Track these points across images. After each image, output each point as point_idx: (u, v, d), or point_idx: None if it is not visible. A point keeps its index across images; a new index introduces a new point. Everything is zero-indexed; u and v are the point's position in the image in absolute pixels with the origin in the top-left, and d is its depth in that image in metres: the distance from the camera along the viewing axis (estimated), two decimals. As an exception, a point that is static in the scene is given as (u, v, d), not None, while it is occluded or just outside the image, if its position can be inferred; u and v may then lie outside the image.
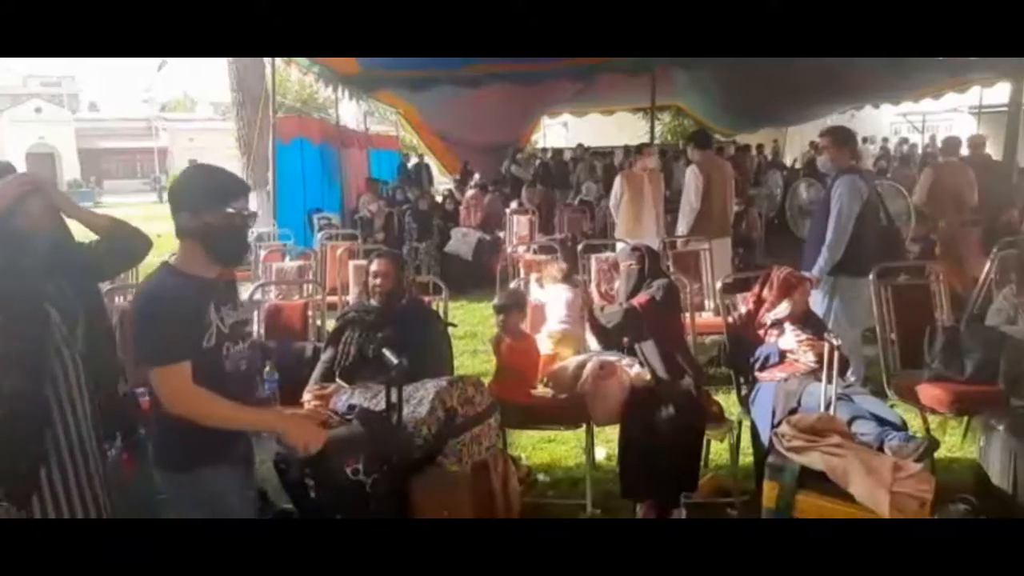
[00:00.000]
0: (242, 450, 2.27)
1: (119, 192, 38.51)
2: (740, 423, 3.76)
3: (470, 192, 11.00)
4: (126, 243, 2.66)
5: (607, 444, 4.14)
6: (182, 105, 57.40)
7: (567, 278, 4.29)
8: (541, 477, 3.96)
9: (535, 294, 4.59)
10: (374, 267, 3.58)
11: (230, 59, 11.22)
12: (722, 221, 6.63)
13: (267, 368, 3.29)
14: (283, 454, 2.41)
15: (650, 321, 3.69)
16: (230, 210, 2.12)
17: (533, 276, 5.11)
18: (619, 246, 6.49)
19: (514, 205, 10.37)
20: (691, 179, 6.57)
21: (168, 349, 2.03)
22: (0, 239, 2.27)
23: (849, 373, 3.83)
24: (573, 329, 4.07)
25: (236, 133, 11.70)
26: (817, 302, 4.43)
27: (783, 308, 3.70)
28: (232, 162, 11.53)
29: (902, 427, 3.08)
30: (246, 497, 2.23)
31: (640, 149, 7.67)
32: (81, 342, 2.43)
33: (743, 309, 4.01)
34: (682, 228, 6.64)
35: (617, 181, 7.36)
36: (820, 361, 3.38)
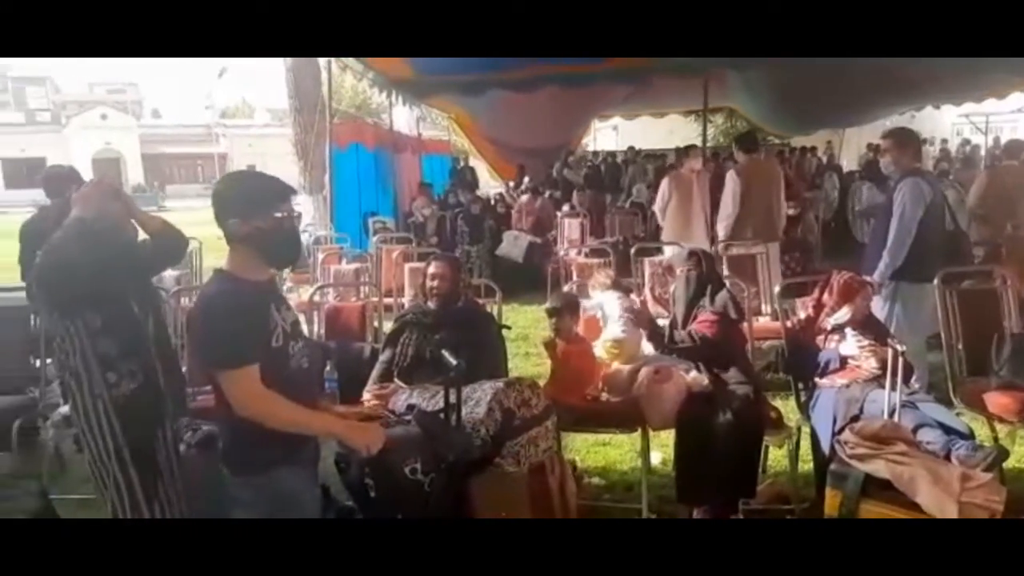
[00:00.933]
0: (311, 449, 2.33)
1: (181, 196, 39.60)
2: (799, 429, 3.70)
3: (524, 197, 11.04)
4: (170, 242, 2.85)
5: (662, 448, 4.11)
6: (241, 111, 58.82)
7: (616, 284, 4.25)
8: (595, 480, 3.96)
9: (585, 303, 4.56)
10: (432, 269, 3.63)
11: (287, 66, 11.46)
12: (766, 226, 6.48)
13: (327, 368, 3.37)
14: (343, 453, 2.46)
15: (718, 337, 3.66)
16: (278, 214, 2.16)
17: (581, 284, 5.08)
18: (667, 249, 6.44)
19: (565, 208, 10.37)
20: (729, 183, 6.48)
21: (237, 353, 2.07)
22: (87, 240, 2.40)
23: (913, 380, 3.74)
24: (630, 337, 4.05)
25: (293, 138, 11.94)
26: (878, 308, 4.34)
27: (844, 313, 3.63)
28: (290, 167, 11.81)
29: (969, 436, 3.00)
30: (315, 496, 2.28)
31: (687, 151, 7.60)
32: (152, 335, 2.61)
33: (802, 314, 3.95)
34: (720, 232, 6.56)
35: (664, 183, 7.29)
36: (883, 367, 3.31)
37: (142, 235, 2.85)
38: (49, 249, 2.46)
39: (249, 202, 2.14)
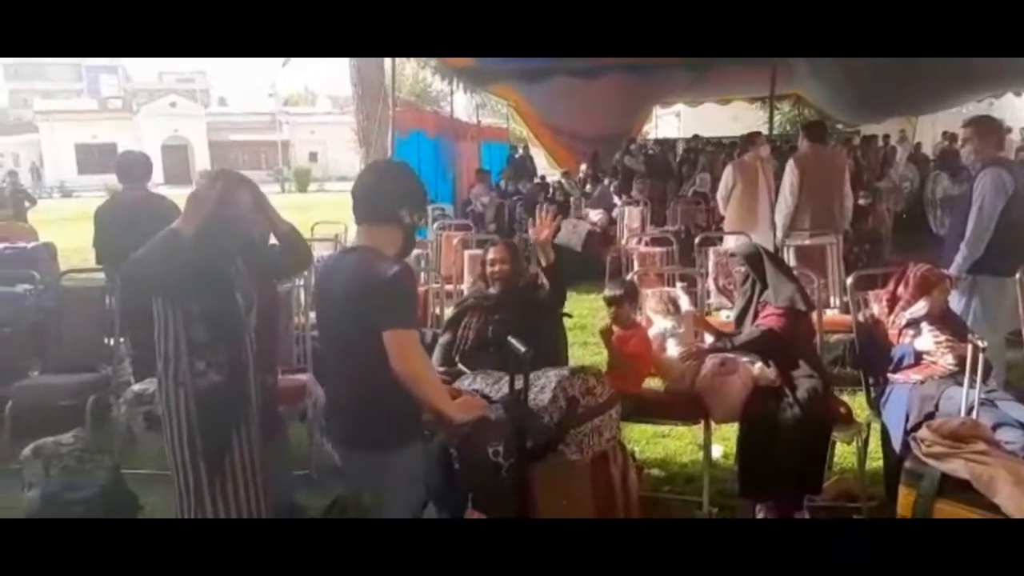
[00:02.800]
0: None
1: (244, 183, 40.56)
2: (869, 426, 3.59)
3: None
4: (298, 249, 2.84)
5: (723, 441, 4.04)
6: (303, 99, 59.92)
7: (672, 310, 3.96)
8: (655, 472, 3.91)
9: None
10: (492, 254, 3.64)
11: (351, 54, 11.58)
12: (826, 217, 6.22)
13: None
14: (431, 422, 2.48)
15: (785, 331, 3.57)
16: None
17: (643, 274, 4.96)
18: (729, 239, 6.30)
19: (625, 197, 10.26)
20: (786, 174, 6.30)
21: (413, 315, 2.30)
22: (206, 225, 2.47)
23: (990, 377, 3.59)
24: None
25: (355, 126, 12.07)
26: (955, 302, 4.17)
27: (920, 307, 3.49)
28: (350, 154, 11.99)
29: (1053, 437, 2.87)
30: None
31: (752, 138, 7.39)
32: (252, 327, 2.66)
33: (875, 307, 3.82)
34: (779, 222, 6.38)
35: (728, 171, 7.10)
36: (960, 364, 3.19)
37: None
38: (136, 261, 2.44)
39: (419, 196, 2.37)
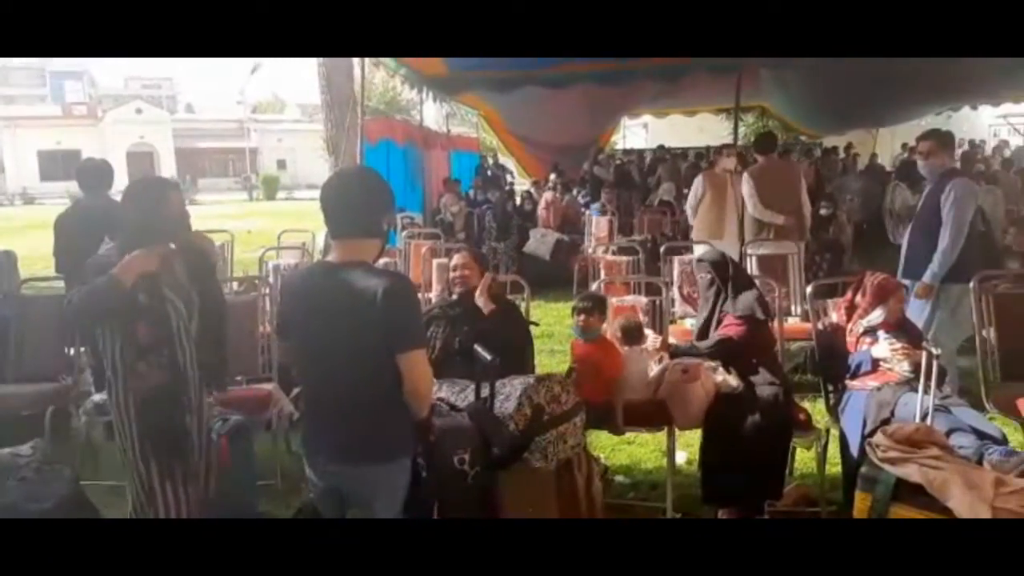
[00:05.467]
0: None
1: (212, 190, 40.13)
2: (828, 432, 3.66)
3: (549, 194, 11.03)
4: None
5: (688, 448, 4.09)
6: (272, 107, 59.45)
7: (632, 338, 3.82)
8: (620, 479, 3.95)
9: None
10: (455, 260, 3.66)
11: (319, 62, 11.52)
12: (786, 227, 6.31)
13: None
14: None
15: (744, 339, 3.63)
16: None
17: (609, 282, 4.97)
18: (697, 248, 6.38)
19: (595, 206, 10.33)
20: (743, 188, 6.42)
21: (424, 333, 2.39)
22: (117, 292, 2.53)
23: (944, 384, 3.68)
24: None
25: (324, 134, 12.01)
26: (919, 310, 4.28)
27: (877, 315, 3.59)
28: (319, 162, 11.94)
29: (1003, 441, 2.95)
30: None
31: (721, 150, 7.52)
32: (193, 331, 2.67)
33: (833, 315, 3.91)
34: (747, 233, 6.48)
35: (697, 181, 7.21)
36: (916, 371, 3.28)
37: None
38: (75, 299, 2.56)
39: (392, 202, 2.36)
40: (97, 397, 3.94)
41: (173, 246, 2.77)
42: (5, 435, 3.56)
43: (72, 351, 4.53)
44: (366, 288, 2.13)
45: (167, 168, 42.38)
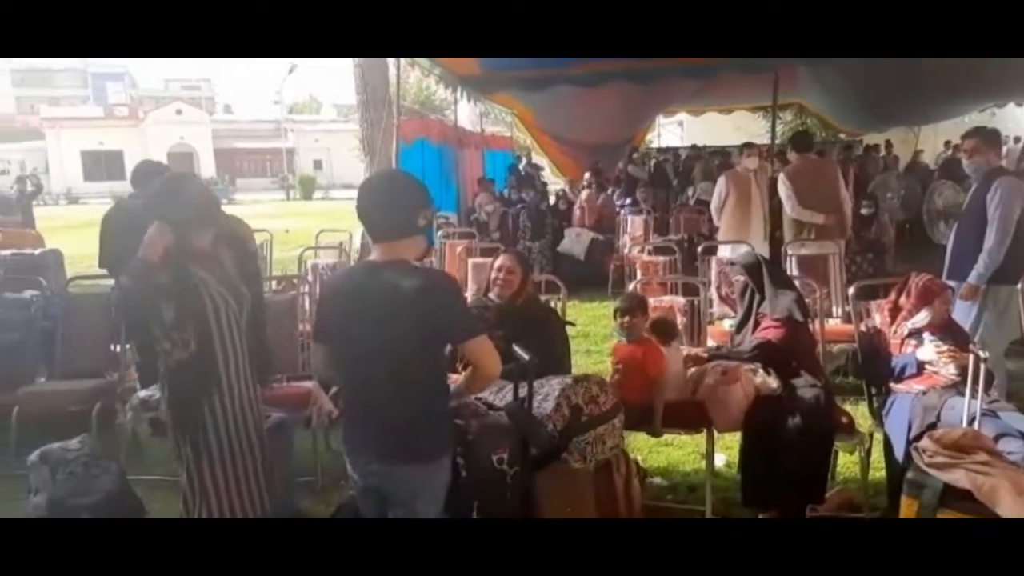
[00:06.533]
0: None
1: (250, 190, 40.69)
2: (871, 435, 3.60)
3: (584, 193, 10.99)
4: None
5: (726, 450, 4.05)
6: (308, 107, 60.11)
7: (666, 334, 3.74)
8: (658, 481, 3.92)
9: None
10: (499, 262, 3.64)
11: (355, 63, 11.63)
12: (825, 228, 6.21)
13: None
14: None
15: (783, 342, 3.58)
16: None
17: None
18: (723, 248, 6.30)
19: (628, 202, 10.29)
20: (779, 189, 6.32)
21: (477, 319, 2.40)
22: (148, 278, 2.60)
23: (992, 387, 3.60)
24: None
25: (360, 134, 12.11)
26: (965, 312, 4.19)
27: (922, 317, 3.51)
28: (355, 162, 12.04)
29: (1055, 447, 2.87)
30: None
31: (744, 149, 7.41)
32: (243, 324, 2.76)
33: (877, 317, 3.84)
34: (787, 233, 6.40)
35: (721, 181, 7.08)
36: (962, 374, 3.21)
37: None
38: (118, 287, 2.65)
39: (426, 197, 2.36)
40: (143, 393, 4.02)
41: (214, 234, 2.83)
42: (54, 430, 3.66)
43: (117, 348, 4.63)
44: (407, 286, 2.15)
45: (206, 168, 43.07)
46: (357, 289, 2.27)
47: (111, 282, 4.75)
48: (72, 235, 13.53)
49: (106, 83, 60.02)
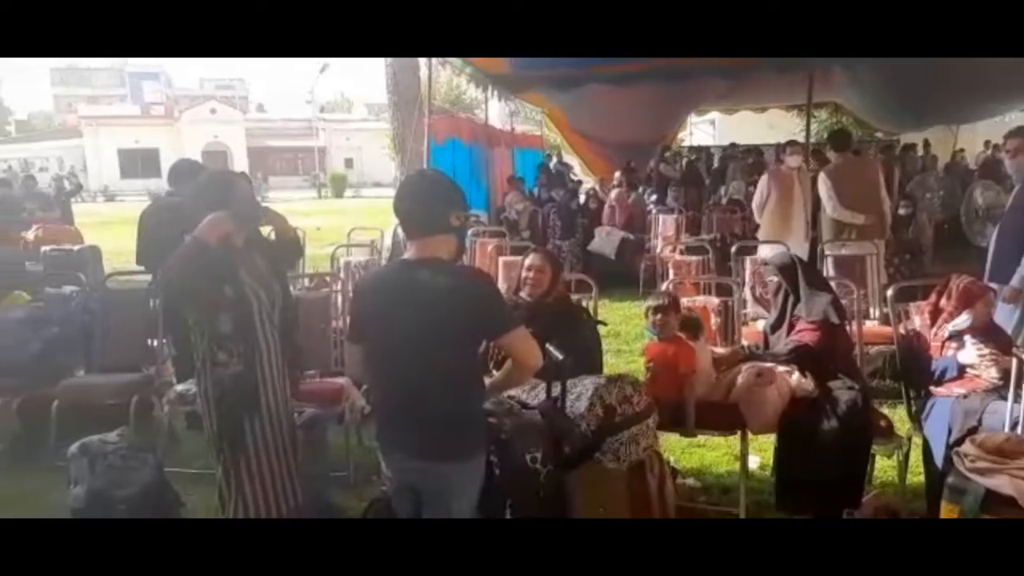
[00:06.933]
0: None
1: (282, 188, 41.11)
2: (910, 439, 3.54)
3: (614, 191, 10.94)
4: (295, 244, 3.16)
5: (760, 452, 4.01)
6: (340, 106, 60.61)
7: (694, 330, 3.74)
8: (690, 482, 3.89)
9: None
10: (529, 261, 3.62)
11: (387, 62, 11.70)
12: (865, 228, 6.10)
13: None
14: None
15: (819, 345, 3.53)
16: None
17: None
18: (762, 248, 6.24)
19: (658, 201, 10.22)
20: (820, 188, 6.23)
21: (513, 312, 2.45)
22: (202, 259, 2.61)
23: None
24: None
25: (391, 133, 12.17)
26: (1008, 314, 4.09)
27: (964, 319, 3.44)
28: (385, 160, 12.13)
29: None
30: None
31: (787, 147, 7.32)
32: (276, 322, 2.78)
33: (916, 319, 3.77)
34: (826, 234, 6.31)
35: (763, 180, 7.01)
36: (1004, 378, 3.14)
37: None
38: (167, 268, 2.63)
39: (461, 198, 2.38)
40: (180, 387, 4.08)
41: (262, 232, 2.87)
42: (93, 422, 3.72)
43: (155, 342, 4.70)
44: (443, 282, 2.18)
45: (239, 167, 43.55)
46: (392, 287, 2.29)
47: (148, 278, 4.86)
48: (109, 231, 13.77)
49: (143, 82, 61.05)
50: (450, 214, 2.30)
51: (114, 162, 44.39)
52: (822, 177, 6.21)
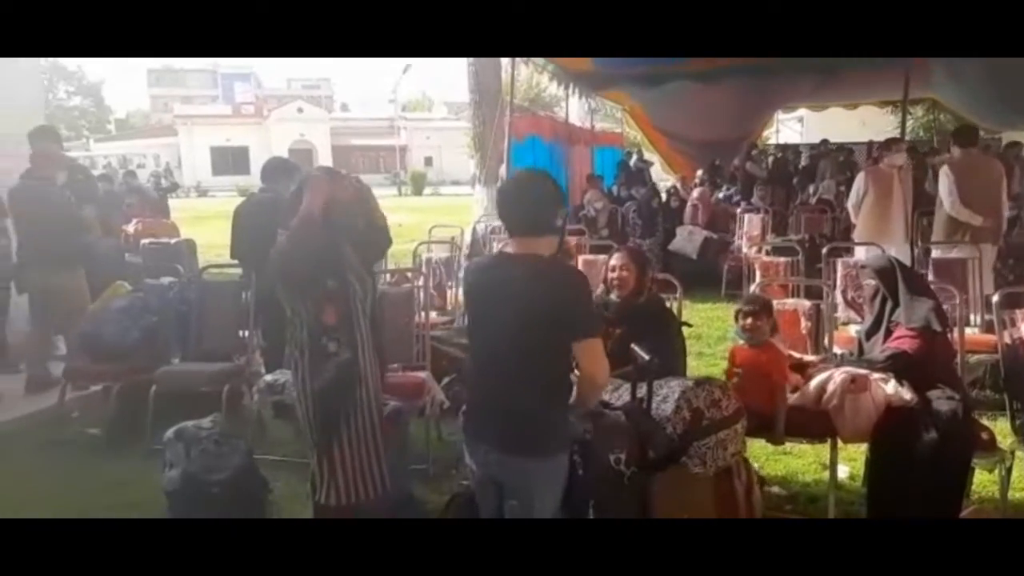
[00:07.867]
0: None
1: (363, 185, 41.92)
2: (1013, 453, 3.34)
3: (697, 190, 10.73)
4: (385, 238, 3.22)
5: (850, 462, 3.87)
6: (421, 105, 61.48)
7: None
8: (776, 490, 3.78)
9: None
10: (613, 260, 3.58)
11: (469, 61, 11.80)
12: (981, 227, 5.84)
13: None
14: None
15: (920, 353, 3.38)
16: None
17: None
18: (860, 250, 6.01)
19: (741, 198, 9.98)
20: (940, 182, 5.93)
21: (600, 323, 2.50)
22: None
23: None
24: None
25: (472, 131, 12.27)
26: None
27: (1077, 328, 3.23)
28: (463, 158, 12.23)
29: None
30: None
31: (888, 144, 6.99)
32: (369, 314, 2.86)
33: (1023, 327, 3.56)
34: (937, 233, 6.02)
35: (860, 178, 6.71)
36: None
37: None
38: (284, 244, 2.77)
39: (563, 200, 2.42)
40: (269, 377, 4.21)
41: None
42: (187, 408, 3.88)
43: (246, 333, 4.86)
44: (540, 278, 2.20)
45: (324, 164, 44.56)
46: (490, 278, 2.33)
47: (240, 271, 5.04)
48: (203, 226, 14.34)
49: (234, 83, 63.37)
50: (556, 215, 2.33)
51: (207, 159, 46.18)
52: (944, 170, 5.93)
